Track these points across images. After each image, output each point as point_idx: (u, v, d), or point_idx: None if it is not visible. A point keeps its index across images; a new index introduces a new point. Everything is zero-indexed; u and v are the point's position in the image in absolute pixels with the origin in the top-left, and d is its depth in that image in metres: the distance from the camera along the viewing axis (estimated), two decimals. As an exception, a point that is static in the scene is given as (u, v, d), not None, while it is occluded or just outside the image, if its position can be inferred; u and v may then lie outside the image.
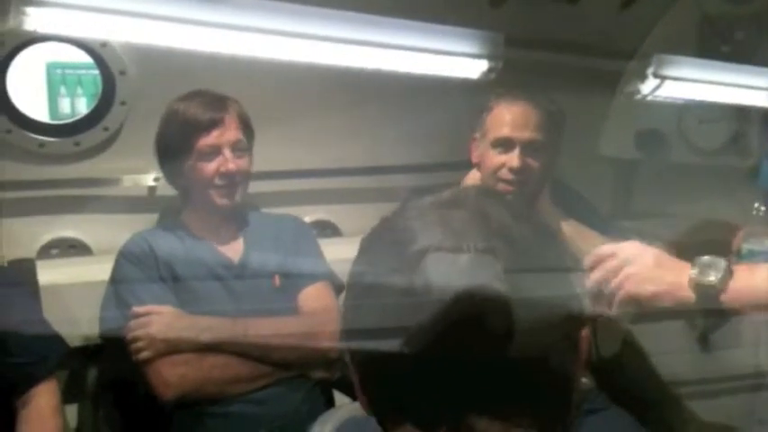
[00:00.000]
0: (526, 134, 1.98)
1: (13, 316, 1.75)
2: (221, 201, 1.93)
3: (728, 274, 1.13)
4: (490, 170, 2.02)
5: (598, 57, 2.22)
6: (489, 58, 2.13)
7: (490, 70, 2.14)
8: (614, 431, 2.03)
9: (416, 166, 2.58)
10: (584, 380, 2.38)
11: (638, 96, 2.22)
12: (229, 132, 1.90)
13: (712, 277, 1.14)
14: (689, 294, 1.15)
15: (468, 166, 2.13)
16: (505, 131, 1.99)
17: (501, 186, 1.99)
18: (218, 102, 1.92)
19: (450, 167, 2.37)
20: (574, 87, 2.19)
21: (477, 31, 2.07)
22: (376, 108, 2.38)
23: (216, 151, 1.89)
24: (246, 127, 1.95)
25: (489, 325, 0.64)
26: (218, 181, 1.90)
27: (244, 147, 1.93)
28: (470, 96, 2.22)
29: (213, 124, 1.88)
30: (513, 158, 1.98)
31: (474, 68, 2.18)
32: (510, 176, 1.99)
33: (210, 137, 1.88)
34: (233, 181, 1.91)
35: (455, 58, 2.15)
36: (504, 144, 1.99)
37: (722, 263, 1.14)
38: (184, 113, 1.90)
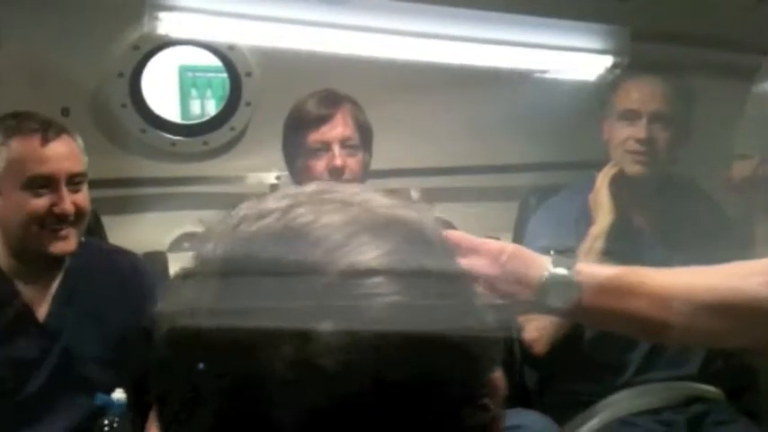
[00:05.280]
0: (652, 105, 1.99)
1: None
2: None
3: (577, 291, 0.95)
4: (617, 143, 2.03)
5: (731, 51, 2.12)
6: (614, 53, 2.07)
7: (615, 66, 2.09)
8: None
9: (535, 165, 2.54)
10: (711, 388, 2.26)
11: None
12: (339, 128, 1.89)
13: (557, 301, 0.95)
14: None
15: (587, 165, 2.08)
16: (632, 103, 2.01)
17: (629, 158, 2.00)
18: (331, 98, 1.92)
19: (570, 167, 2.31)
20: (704, 83, 2.09)
21: (601, 25, 2.02)
22: (493, 105, 2.35)
23: (325, 147, 1.88)
24: (360, 126, 1.93)
25: None
26: (326, 178, 1.91)
27: (355, 144, 1.91)
28: (594, 93, 2.16)
29: (322, 120, 1.89)
30: (640, 129, 1.99)
31: (598, 64, 2.13)
32: (636, 147, 1.99)
33: (319, 132, 1.88)
34: (339, 178, 1.91)
35: (578, 54, 2.10)
36: (631, 116, 2.01)
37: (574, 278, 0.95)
38: (299, 110, 1.94)
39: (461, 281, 0.54)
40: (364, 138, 1.95)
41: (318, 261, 0.48)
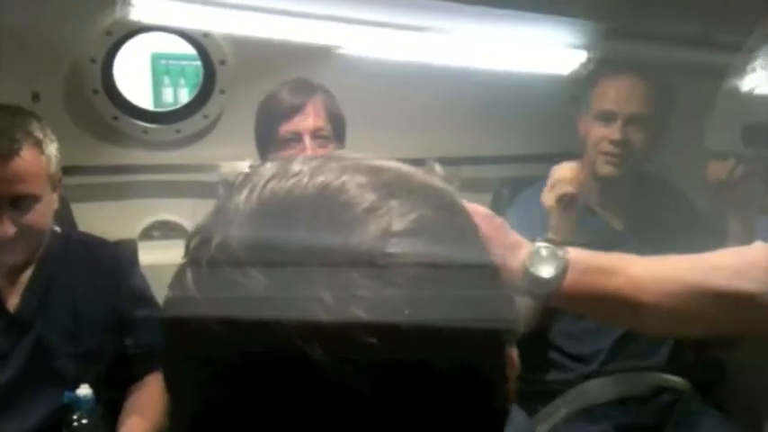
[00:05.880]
0: (629, 108, 1.98)
1: (137, 300, 1.80)
2: None
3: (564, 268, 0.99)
4: (593, 142, 2.02)
5: (703, 47, 2.14)
6: (588, 48, 2.08)
7: (588, 61, 2.10)
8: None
9: (509, 157, 2.55)
10: (678, 379, 2.28)
11: (746, 89, 2.13)
12: (310, 119, 1.86)
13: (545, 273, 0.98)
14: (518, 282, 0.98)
15: (561, 157, 2.10)
16: (608, 104, 2.00)
17: (602, 159, 2.00)
18: (303, 88, 1.90)
19: (543, 159, 2.32)
20: (677, 78, 2.12)
21: (575, 20, 2.03)
22: (466, 98, 2.36)
23: (296, 138, 1.86)
24: (333, 116, 1.91)
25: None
26: None
27: (326, 135, 1.89)
28: (567, 88, 2.18)
29: (294, 110, 1.86)
30: (615, 131, 1.98)
31: (572, 60, 2.14)
32: (610, 149, 1.99)
33: (291, 123, 1.86)
34: None
35: (552, 48, 2.12)
36: (607, 116, 2.00)
37: (559, 253, 0.98)
38: (271, 99, 1.91)
39: (488, 256, 0.54)
40: (336, 128, 1.93)
41: (352, 223, 0.47)
